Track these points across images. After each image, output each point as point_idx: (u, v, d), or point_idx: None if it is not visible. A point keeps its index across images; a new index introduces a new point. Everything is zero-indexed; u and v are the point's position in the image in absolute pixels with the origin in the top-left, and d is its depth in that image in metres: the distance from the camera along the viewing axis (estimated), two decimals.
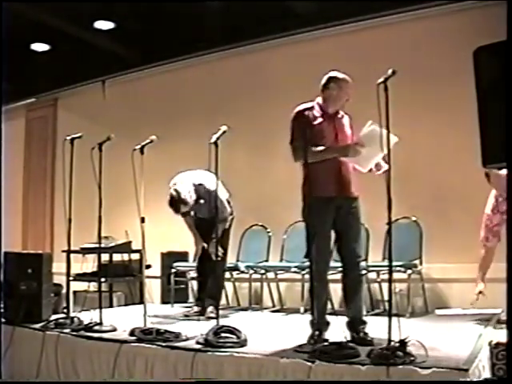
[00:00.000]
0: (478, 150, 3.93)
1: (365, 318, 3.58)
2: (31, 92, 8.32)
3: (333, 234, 3.59)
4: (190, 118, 6.74)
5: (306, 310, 4.97)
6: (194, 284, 6.48)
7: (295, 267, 5.30)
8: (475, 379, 2.81)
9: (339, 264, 3.67)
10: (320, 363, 2.95)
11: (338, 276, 3.75)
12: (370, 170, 3.54)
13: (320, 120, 3.58)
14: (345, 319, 3.56)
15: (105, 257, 5.78)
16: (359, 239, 3.64)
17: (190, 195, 4.79)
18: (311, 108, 3.60)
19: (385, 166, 3.37)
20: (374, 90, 3.26)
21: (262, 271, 5.71)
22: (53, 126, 8.32)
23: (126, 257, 6.26)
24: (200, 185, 4.86)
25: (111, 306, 6.01)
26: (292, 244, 5.77)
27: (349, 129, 3.68)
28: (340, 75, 3.62)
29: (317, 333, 3.32)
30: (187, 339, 3.62)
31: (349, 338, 3.41)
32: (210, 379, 3.21)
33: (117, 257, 6.20)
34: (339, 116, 3.66)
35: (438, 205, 5.22)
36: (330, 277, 4.50)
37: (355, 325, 3.53)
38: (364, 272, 3.67)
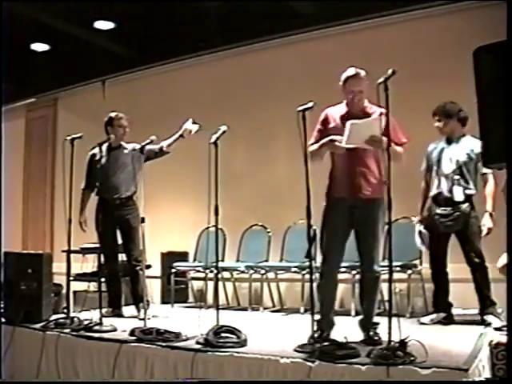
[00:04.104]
0: None
1: (376, 319, 3.56)
2: (31, 92, 8.32)
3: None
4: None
5: (305, 310, 4.97)
6: (195, 284, 6.49)
7: (295, 267, 5.30)
8: (475, 379, 2.81)
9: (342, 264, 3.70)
10: (320, 363, 2.95)
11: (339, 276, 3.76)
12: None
13: (337, 122, 3.59)
14: (344, 319, 3.59)
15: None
16: (375, 242, 3.51)
17: None
18: (330, 109, 3.67)
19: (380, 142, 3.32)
20: (374, 90, 3.26)
21: (262, 271, 5.71)
22: (53, 126, 8.32)
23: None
24: None
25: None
26: (292, 244, 5.77)
27: None
28: (343, 75, 3.58)
29: (318, 332, 3.33)
30: (187, 339, 3.62)
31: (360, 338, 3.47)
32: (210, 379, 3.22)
33: None
34: (367, 113, 3.55)
35: None
36: None
37: (365, 325, 3.55)
38: (377, 275, 3.54)
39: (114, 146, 5.01)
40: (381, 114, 3.37)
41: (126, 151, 5.02)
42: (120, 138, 5.01)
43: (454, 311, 4.39)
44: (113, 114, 5.01)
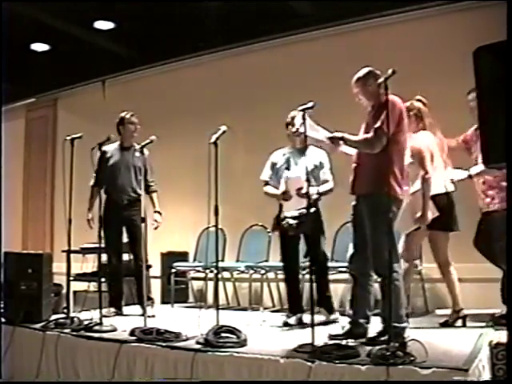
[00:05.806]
0: None
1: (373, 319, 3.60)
2: (31, 92, 8.33)
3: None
4: (190, 118, 6.74)
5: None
6: (195, 284, 6.49)
7: None
8: (475, 379, 2.81)
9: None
10: (320, 363, 2.95)
11: (338, 276, 3.76)
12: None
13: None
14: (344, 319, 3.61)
15: (105, 257, 5.77)
16: (374, 239, 3.39)
17: None
18: None
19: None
20: None
21: (262, 271, 5.70)
22: (53, 126, 8.33)
23: (125, 257, 6.26)
24: None
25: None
26: None
27: (372, 121, 3.53)
28: None
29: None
30: (187, 339, 3.62)
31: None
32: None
33: None
34: (378, 106, 3.55)
35: None
36: (330, 277, 4.49)
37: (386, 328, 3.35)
38: (373, 277, 3.62)
39: (126, 146, 5.05)
40: (380, 104, 3.43)
41: (137, 154, 5.02)
42: (131, 135, 5.07)
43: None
44: (123, 114, 5.09)
